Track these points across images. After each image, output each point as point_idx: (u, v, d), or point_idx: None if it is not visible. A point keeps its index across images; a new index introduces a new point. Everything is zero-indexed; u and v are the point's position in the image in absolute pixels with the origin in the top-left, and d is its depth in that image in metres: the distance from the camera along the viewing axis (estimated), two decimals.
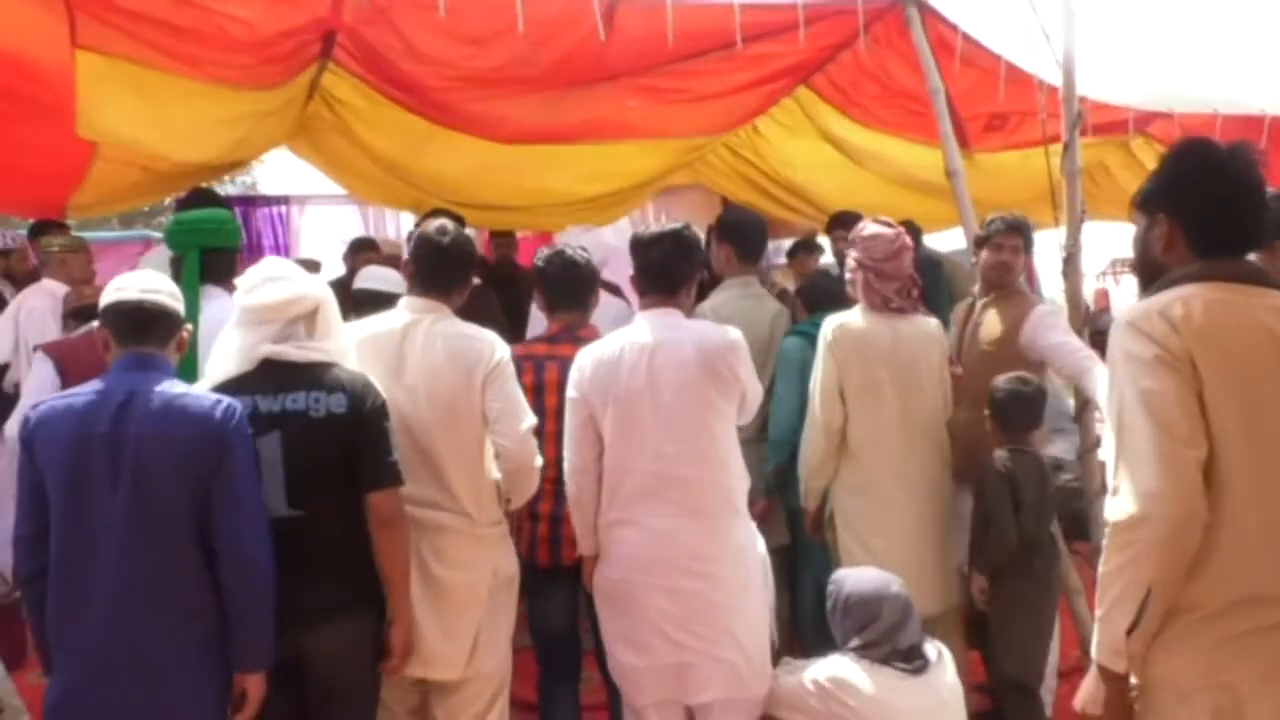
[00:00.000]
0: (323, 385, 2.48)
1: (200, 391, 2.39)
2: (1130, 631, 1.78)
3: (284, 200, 7.60)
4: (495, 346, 2.81)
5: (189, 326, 2.53)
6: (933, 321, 3.51)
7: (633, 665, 2.82)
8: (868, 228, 3.46)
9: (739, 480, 2.85)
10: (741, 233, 4.01)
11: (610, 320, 3.59)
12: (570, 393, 2.85)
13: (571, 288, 3.21)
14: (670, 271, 2.89)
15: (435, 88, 4.35)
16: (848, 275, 3.49)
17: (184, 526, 2.25)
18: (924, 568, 3.27)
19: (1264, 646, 1.72)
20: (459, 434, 2.74)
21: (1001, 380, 3.30)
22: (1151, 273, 1.98)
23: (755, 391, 2.90)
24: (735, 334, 2.86)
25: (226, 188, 16.49)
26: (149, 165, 4.69)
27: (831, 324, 3.39)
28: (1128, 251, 6.71)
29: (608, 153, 5.34)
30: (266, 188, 15.21)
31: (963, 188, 4.18)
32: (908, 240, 3.44)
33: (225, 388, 2.46)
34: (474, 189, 5.68)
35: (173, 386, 2.33)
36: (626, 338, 2.85)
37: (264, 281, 2.54)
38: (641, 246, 2.93)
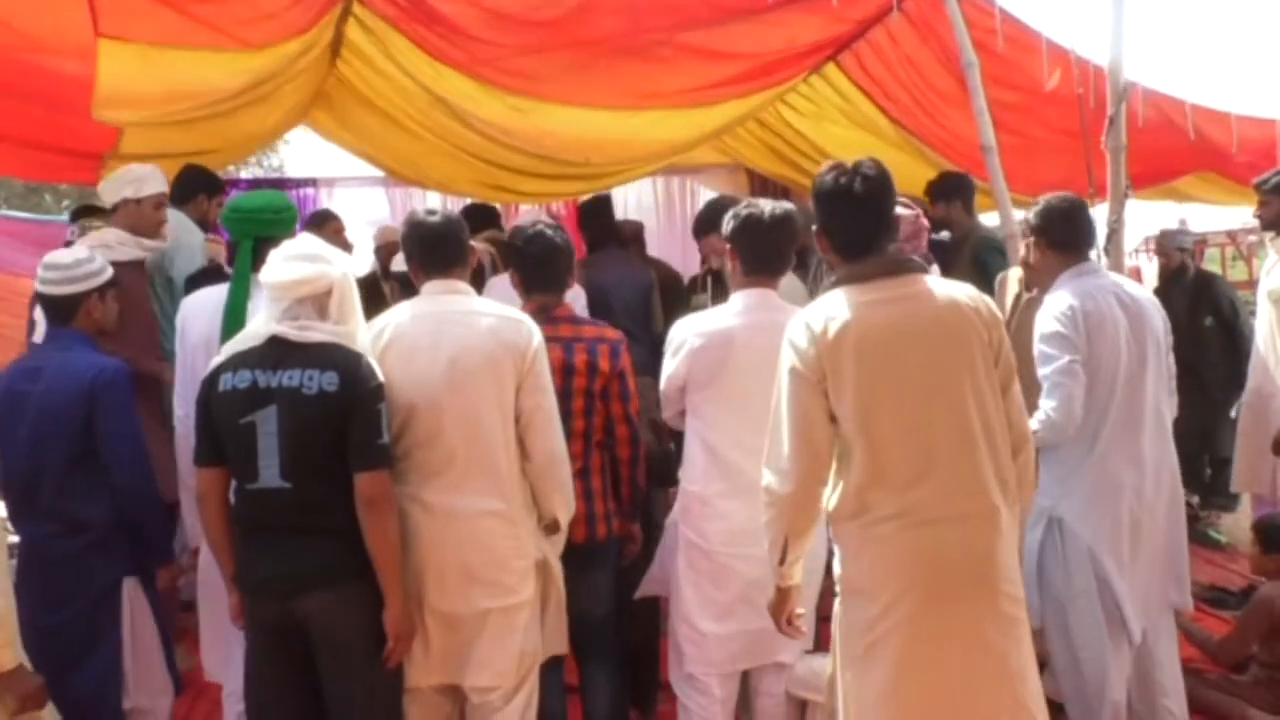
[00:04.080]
0: (318, 363, 2.51)
1: (93, 356, 2.98)
2: (782, 563, 2.43)
3: (311, 183, 7.58)
4: (534, 331, 2.80)
5: (96, 296, 3.03)
6: None
7: (714, 633, 2.91)
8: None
9: None
10: None
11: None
12: (675, 356, 2.96)
13: (553, 269, 3.17)
14: (784, 255, 3.02)
15: (461, 32, 4.31)
16: (821, 263, 3.53)
17: (68, 461, 2.89)
18: None
19: (889, 551, 2.27)
20: (495, 418, 2.71)
21: None
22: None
23: None
24: None
25: (253, 170, 16.66)
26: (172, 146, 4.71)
27: None
28: (1158, 229, 6.63)
29: (637, 121, 5.26)
30: (293, 171, 15.31)
31: (996, 165, 4.12)
32: (925, 221, 3.48)
33: (230, 362, 2.57)
34: (499, 152, 5.64)
35: (69, 353, 2.96)
36: (736, 315, 2.94)
37: (283, 260, 2.58)
38: (762, 229, 2.96)
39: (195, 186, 4.59)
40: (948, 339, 2.30)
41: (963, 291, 2.38)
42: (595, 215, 5.35)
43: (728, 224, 3.05)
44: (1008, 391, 2.36)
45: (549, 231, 3.20)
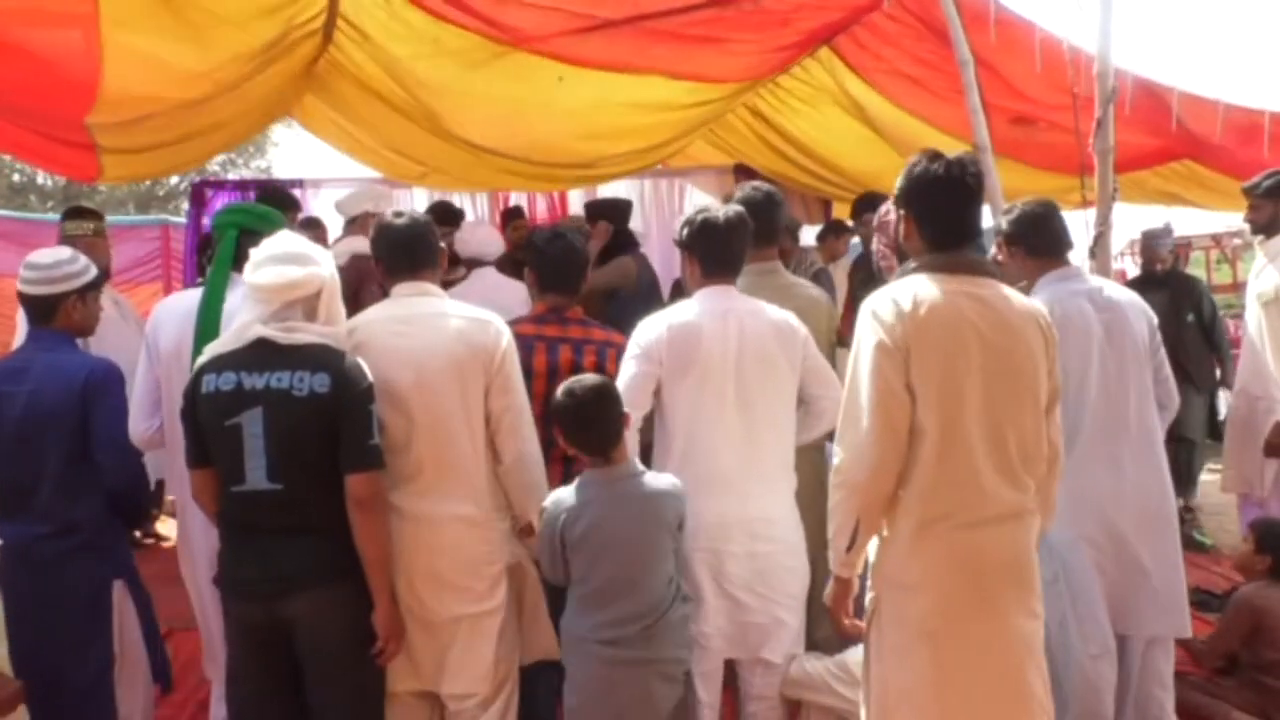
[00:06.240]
0: (309, 365, 2.49)
1: (83, 357, 3.00)
2: (849, 549, 2.37)
3: (298, 184, 7.57)
4: (502, 331, 2.79)
5: (76, 297, 2.97)
6: None
7: (703, 634, 2.88)
8: (891, 212, 3.41)
9: (792, 450, 2.98)
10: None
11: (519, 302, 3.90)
12: (638, 356, 2.89)
13: (569, 271, 3.23)
14: (740, 257, 3.03)
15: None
16: (878, 260, 3.46)
17: (59, 460, 2.88)
18: None
19: (943, 548, 2.27)
20: (463, 422, 2.70)
21: None
22: (901, 254, 2.56)
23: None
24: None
25: (241, 171, 16.61)
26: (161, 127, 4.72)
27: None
28: (1140, 232, 6.60)
29: (635, 87, 5.19)
30: (281, 172, 15.26)
31: (989, 164, 4.11)
32: (892, 216, 3.37)
33: (214, 364, 2.53)
34: (492, 130, 5.67)
35: (56, 353, 2.94)
36: (701, 309, 2.92)
37: (268, 261, 2.54)
38: (720, 233, 2.97)
39: (276, 205, 4.66)
40: (1017, 345, 2.34)
41: (1033, 305, 2.43)
42: (621, 219, 5.57)
43: (683, 230, 3.06)
44: (1051, 411, 2.40)
45: (569, 234, 3.28)
